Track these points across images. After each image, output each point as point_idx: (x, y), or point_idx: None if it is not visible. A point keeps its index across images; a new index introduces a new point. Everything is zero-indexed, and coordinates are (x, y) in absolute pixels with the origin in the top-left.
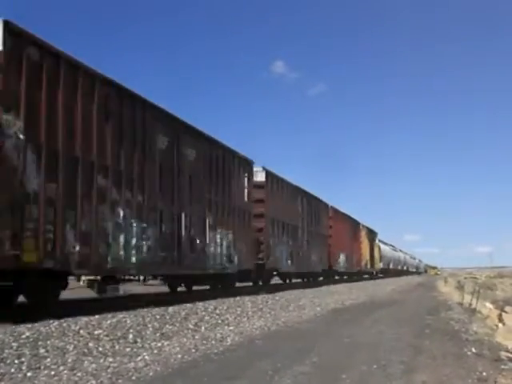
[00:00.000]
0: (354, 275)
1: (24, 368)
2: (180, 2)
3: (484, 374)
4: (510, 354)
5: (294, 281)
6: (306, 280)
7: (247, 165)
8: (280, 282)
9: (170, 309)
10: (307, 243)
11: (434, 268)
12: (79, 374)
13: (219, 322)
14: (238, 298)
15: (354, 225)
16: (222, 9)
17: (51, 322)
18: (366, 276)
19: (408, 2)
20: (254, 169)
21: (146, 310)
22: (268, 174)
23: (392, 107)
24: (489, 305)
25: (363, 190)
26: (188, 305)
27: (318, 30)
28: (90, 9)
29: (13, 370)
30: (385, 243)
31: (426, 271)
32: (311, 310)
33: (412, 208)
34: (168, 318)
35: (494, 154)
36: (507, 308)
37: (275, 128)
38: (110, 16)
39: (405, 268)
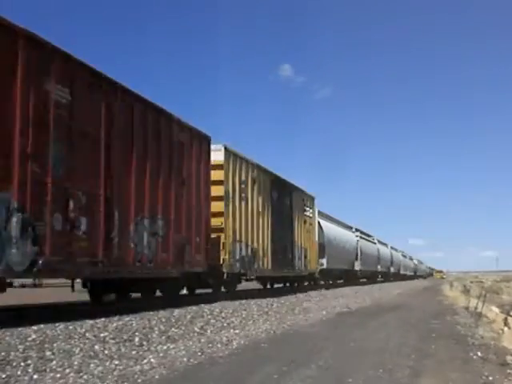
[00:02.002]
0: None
1: (30, 370)
2: (185, 2)
3: (490, 378)
4: None
5: None
6: None
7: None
8: None
9: (176, 312)
10: None
11: (440, 272)
12: (85, 377)
13: (225, 325)
14: (243, 301)
15: (181, 136)
16: (228, 11)
17: (57, 324)
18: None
19: (415, 4)
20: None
21: (151, 313)
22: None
23: (401, 111)
24: (495, 309)
25: (367, 194)
26: (194, 308)
27: (325, 35)
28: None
29: (19, 373)
30: (340, 223)
31: (431, 274)
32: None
33: (417, 212)
34: (174, 321)
35: (499, 157)
36: None
37: (281, 130)
38: (110, 16)
39: (392, 270)
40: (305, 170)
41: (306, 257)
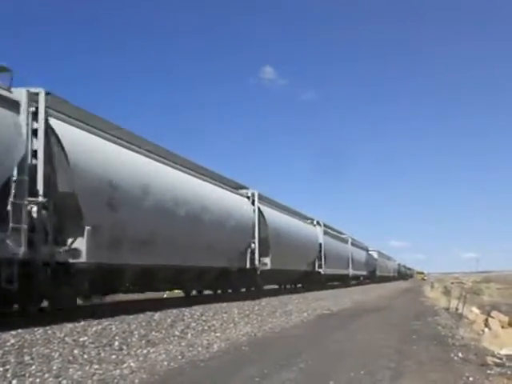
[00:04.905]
0: None
1: (9, 375)
2: (163, 3)
3: (471, 378)
4: (496, 359)
5: None
6: None
7: None
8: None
9: (156, 315)
10: None
11: (421, 273)
12: (64, 382)
13: (205, 328)
14: (224, 304)
15: None
16: (209, 11)
17: (36, 329)
18: None
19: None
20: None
21: (131, 316)
22: None
23: (382, 112)
24: (475, 310)
25: (351, 196)
26: (174, 311)
27: (309, 35)
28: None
29: None
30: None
31: (412, 276)
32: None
33: (397, 215)
34: (154, 324)
35: (480, 160)
36: (493, 313)
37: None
38: (90, 21)
39: (302, 268)
40: (293, 176)
41: None
